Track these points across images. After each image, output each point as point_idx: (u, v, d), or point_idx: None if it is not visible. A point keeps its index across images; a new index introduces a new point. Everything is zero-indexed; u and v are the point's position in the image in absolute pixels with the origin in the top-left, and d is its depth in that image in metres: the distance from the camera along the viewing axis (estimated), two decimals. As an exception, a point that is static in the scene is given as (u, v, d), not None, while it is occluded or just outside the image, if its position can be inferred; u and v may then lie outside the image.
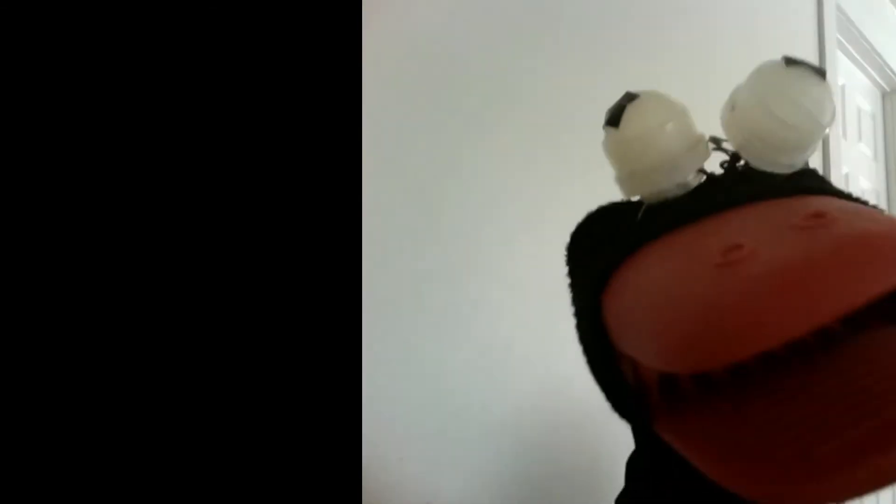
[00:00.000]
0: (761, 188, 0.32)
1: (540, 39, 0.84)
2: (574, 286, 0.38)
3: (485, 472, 0.71)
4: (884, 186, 2.04)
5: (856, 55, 1.84)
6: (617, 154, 0.34)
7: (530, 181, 0.81)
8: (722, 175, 0.35)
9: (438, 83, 0.72)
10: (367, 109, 0.63)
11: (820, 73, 0.31)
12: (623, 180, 0.34)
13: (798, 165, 0.33)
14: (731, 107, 0.34)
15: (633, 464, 0.42)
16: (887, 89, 2.07)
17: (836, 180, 1.51)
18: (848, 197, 0.32)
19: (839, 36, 1.65)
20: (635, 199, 0.36)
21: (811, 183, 0.33)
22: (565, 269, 0.39)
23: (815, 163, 1.46)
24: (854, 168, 1.82)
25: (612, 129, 0.34)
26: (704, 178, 0.35)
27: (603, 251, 0.33)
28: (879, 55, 1.87)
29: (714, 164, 0.36)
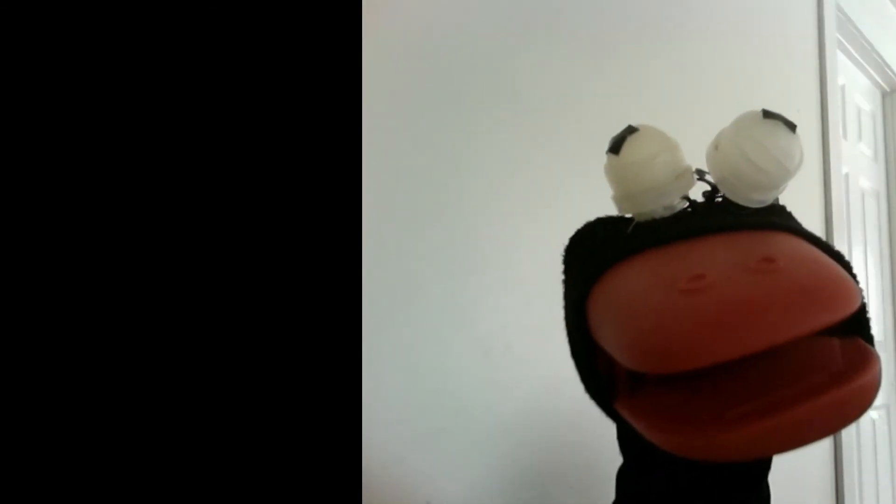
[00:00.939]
0: (733, 220, 0.39)
1: (540, 39, 0.84)
2: (566, 284, 0.45)
3: (485, 472, 0.71)
4: (884, 186, 2.04)
5: (856, 55, 1.84)
6: (615, 177, 0.40)
7: (530, 181, 0.81)
8: (702, 203, 0.41)
9: (438, 83, 0.72)
10: (367, 109, 0.63)
11: (791, 126, 0.37)
12: (619, 200, 0.40)
13: (768, 201, 0.39)
14: (715, 146, 0.39)
15: (622, 476, 0.48)
16: (887, 89, 2.07)
17: (836, 180, 1.51)
18: (805, 235, 0.38)
19: (839, 36, 1.65)
20: (628, 216, 0.42)
21: (777, 220, 0.39)
22: (561, 269, 0.45)
23: (815, 163, 1.47)
24: (854, 168, 1.82)
25: (612, 156, 0.40)
26: (688, 204, 0.41)
27: (594, 257, 0.39)
28: (879, 55, 1.87)
29: (698, 192, 0.42)
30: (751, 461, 0.40)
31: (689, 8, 1.13)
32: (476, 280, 0.73)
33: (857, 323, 0.37)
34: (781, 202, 0.42)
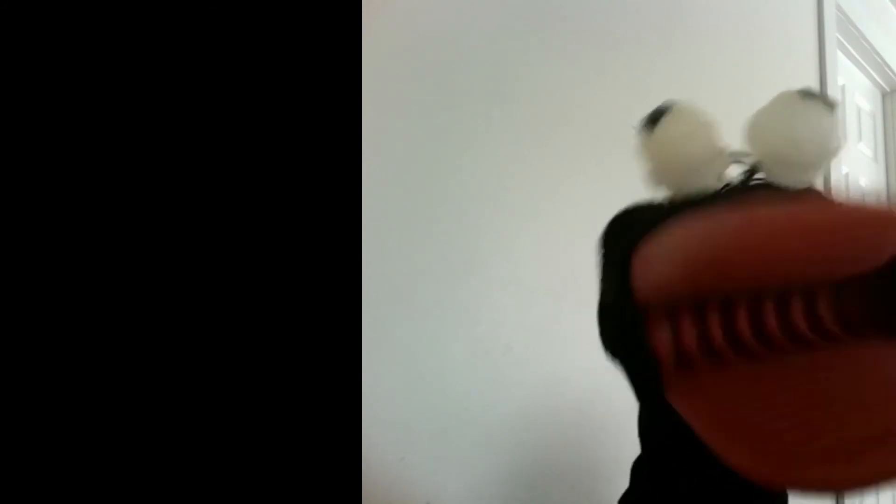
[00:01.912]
0: (772, 199, 0.36)
1: (540, 39, 0.84)
2: (605, 265, 0.41)
3: (485, 472, 0.71)
4: (884, 186, 2.04)
5: (856, 55, 1.84)
6: (648, 152, 0.39)
7: (530, 181, 0.81)
8: (739, 184, 0.39)
9: (438, 83, 0.72)
10: (367, 109, 0.63)
11: (830, 105, 0.36)
12: (651, 175, 0.39)
13: (805, 183, 0.38)
14: (752, 126, 0.38)
15: (638, 465, 0.44)
16: (887, 89, 2.07)
17: (836, 180, 1.51)
18: None
19: (839, 36, 1.65)
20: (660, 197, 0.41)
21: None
22: (599, 253, 0.42)
23: (815, 163, 1.46)
24: (854, 168, 1.82)
25: (647, 131, 0.38)
26: (724, 185, 0.39)
27: (635, 228, 0.37)
28: (879, 55, 1.87)
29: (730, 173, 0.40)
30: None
31: (688, 8, 1.13)
32: (476, 280, 0.73)
33: None
34: None
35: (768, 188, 0.38)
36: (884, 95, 2.08)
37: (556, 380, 0.81)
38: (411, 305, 0.66)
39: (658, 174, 0.39)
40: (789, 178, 0.37)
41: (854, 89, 1.89)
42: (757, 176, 0.39)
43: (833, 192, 1.42)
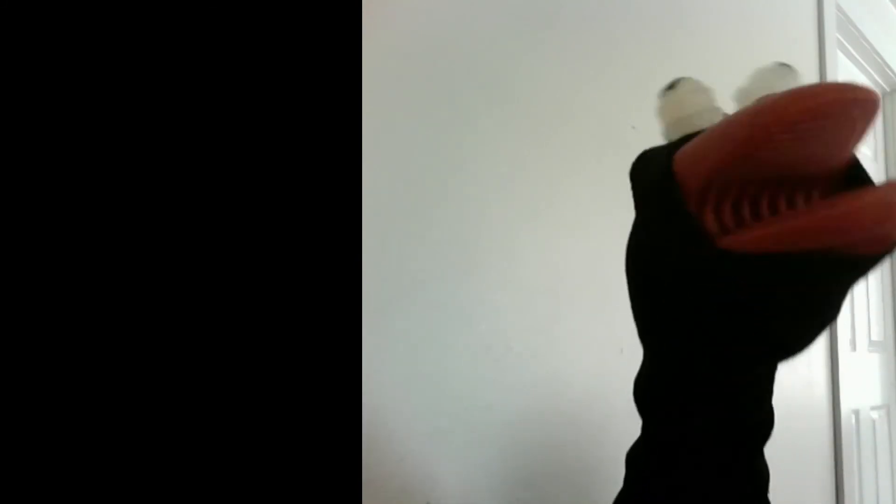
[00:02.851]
0: None
1: (540, 39, 0.84)
2: (639, 184, 0.47)
3: (485, 472, 0.71)
4: (884, 186, 2.04)
5: (856, 55, 1.84)
6: (667, 108, 0.47)
7: (530, 181, 0.81)
8: None
9: (438, 82, 0.72)
10: (367, 109, 0.63)
11: (797, 71, 0.44)
12: (668, 126, 0.47)
13: None
14: (738, 91, 0.46)
15: (634, 454, 0.45)
16: (887, 89, 2.07)
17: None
18: None
19: (839, 36, 1.65)
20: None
21: None
22: (630, 188, 0.48)
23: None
24: (854, 168, 1.82)
25: (667, 91, 0.48)
26: None
27: (661, 153, 0.44)
28: (879, 55, 1.87)
29: None
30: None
31: (688, 8, 1.13)
32: (476, 280, 0.73)
33: None
34: None
35: None
36: (884, 95, 2.08)
37: (556, 380, 0.81)
38: (411, 305, 0.66)
39: (671, 128, 0.47)
40: None
41: (854, 89, 1.89)
42: None
43: None
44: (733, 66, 1.23)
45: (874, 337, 2.04)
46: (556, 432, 0.80)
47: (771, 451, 0.43)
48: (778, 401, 0.43)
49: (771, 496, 0.43)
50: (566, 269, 0.83)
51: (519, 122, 0.80)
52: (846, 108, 0.34)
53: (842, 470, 1.53)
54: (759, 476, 0.43)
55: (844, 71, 1.77)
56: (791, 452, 1.35)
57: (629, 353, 0.90)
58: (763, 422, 0.43)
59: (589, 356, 0.85)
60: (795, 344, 0.40)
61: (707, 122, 0.45)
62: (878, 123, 2.04)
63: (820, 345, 1.55)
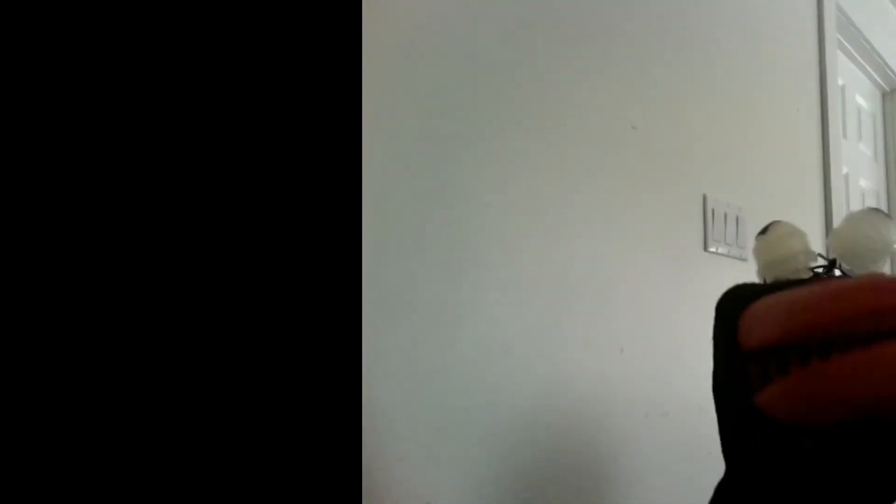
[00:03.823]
0: None
1: (540, 40, 0.84)
2: (717, 322, 0.51)
3: (485, 472, 0.71)
4: (884, 186, 2.04)
5: (856, 55, 1.84)
6: (761, 250, 0.53)
7: (530, 181, 0.81)
8: (821, 273, 0.54)
9: (438, 83, 0.72)
10: (367, 108, 0.63)
11: (890, 217, 0.50)
12: (762, 267, 0.53)
13: (876, 271, 0.52)
14: (834, 236, 0.51)
15: (721, 492, 0.51)
16: (887, 89, 2.07)
17: (836, 180, 1.51)
18: None
19: (839, 36, 1.65)
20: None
21: None
22: (714, 321, 0.52)
23: (815, 163, 1.47)
24: (854, 168, 1.82)
25: (761, 236, 0.53)
26: (811, 273, 0.54)
27: (745, 296, 0.48)
28: (879, 55, 1.87)
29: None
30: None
31: (689, 8, 1.13)
32: (476, 280, 0.73)
33: None
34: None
35: (843, 276, 0.50)
36: (884, 95, 2.08)
37: (556, 380, 0.81)
38: (411, 305, 0.66)
39: (765, 268, 0.52)
40: (864, 267, 0.51)
41: (854, 89, 1.89)
42: (835, 269, 0.53)
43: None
44: (734, 67, 1.24)
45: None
46: (555, 432, 0.80)
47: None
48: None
49: None
50: (566, 269, 0.83)
51: (519, 123, 0.80)
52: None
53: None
54: None
55: (844, 71, 1.77)
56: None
57: (629, 353, 0.90)
58: None
59: (589, 356, 0.85)
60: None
61: (802, 264, 0.51)
62: (877, 123, 2.04)
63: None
